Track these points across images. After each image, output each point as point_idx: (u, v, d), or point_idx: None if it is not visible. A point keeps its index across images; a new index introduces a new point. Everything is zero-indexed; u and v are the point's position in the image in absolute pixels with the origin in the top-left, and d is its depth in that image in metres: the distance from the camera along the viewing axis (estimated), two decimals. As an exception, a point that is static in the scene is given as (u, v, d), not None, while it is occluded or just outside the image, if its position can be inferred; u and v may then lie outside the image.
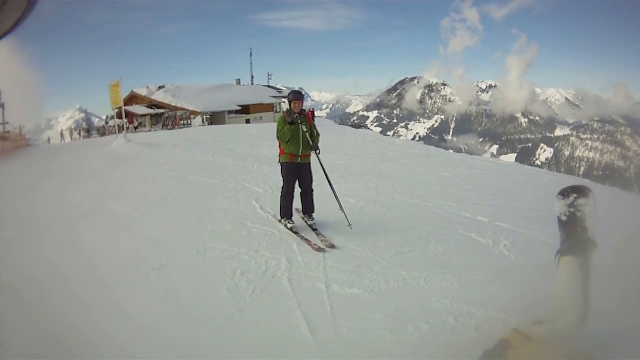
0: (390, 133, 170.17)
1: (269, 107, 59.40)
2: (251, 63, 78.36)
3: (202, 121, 51.33)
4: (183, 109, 52.97)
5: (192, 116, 52.28)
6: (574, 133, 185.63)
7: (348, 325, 5.71)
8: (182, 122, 50.63)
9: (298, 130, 8.42)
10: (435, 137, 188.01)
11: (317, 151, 8.68)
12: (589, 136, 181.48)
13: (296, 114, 8.39)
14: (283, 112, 8.47)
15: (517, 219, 10.75)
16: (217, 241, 7.80)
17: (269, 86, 70.81)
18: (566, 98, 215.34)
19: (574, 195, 4.05)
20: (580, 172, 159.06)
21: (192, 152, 13.79)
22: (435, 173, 16.20)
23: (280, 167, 8.81)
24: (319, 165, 9.00)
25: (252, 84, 71.94)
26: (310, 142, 8.55)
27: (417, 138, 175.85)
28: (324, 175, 9.11)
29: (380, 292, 6.73)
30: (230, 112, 54.68)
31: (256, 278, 6.68)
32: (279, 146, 8.74)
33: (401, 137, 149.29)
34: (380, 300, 6.47)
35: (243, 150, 15.07)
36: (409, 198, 11.98)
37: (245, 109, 56.07)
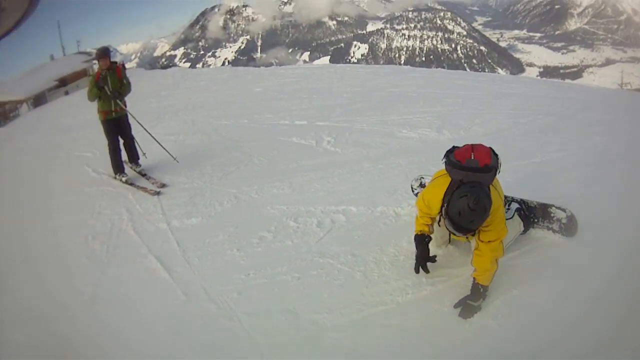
0: (199, 65, 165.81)
1: (83, 74, 55.74)
2: (60, 35, 73.04)
3: (27, 107, 47.79)
4: (9, 102, 48.87)
5: (18, 105, 48.43)
6: (388, 26, 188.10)
7: (197, 255, 6.12)
8: (11, 114, 46.78)
9: (105, 90, 8.56)
10: (243, 59, 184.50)
11: (119, 99, 8.72)
12: (405, 26, 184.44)
13: (104, 71, 8.48)
14: (89, 74, 8.51)
15: (337, 115, 11.59)
16: (64, 215, 7.70)
17: (80, 53, 66.64)
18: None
19: (571, 223, 5.41)
20: (402, 61, 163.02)
21: (28, 143, 13.03)
22: (247, 91, 16.52)
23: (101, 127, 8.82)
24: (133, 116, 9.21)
25: (64, 55, 67.39)
26: (117, 95, 8.70)
27: (226, 63, 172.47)
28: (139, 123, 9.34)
29: (217, 216, 7.17)
30: (49, 89, 51.21)
31: (106, 238, 6.85)
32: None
33: (210, 66, 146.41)
34: (220, 223, 6.91)
35: (65, 122, 14.49)
36: (225, 120, 12.31)
37: (62, 82, 52.78)
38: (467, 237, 4.71)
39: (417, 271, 4.91)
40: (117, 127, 8.79)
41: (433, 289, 4.89)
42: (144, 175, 8.93)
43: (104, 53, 8.58)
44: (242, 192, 7.76)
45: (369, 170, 8.09)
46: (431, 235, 5.01)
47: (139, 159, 9.18)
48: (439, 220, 4.62)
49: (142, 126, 9.37)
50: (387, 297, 4.85)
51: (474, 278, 4.56)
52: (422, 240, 4.96)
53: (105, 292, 5.60)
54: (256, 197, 7.56)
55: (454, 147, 4.72)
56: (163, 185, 8.41)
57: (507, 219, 5.11)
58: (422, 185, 6.45)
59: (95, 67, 8.03)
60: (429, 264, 4.88)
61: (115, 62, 8.71)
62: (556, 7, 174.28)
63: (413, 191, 6.56)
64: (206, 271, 5.74)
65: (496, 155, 4.64)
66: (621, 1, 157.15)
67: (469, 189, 4.07)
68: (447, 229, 4.26)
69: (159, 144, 9.32)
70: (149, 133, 9.38)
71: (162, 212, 7.45)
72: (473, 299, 4.52)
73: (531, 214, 5.52)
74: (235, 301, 5.09)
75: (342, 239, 6.01)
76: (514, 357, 4.02)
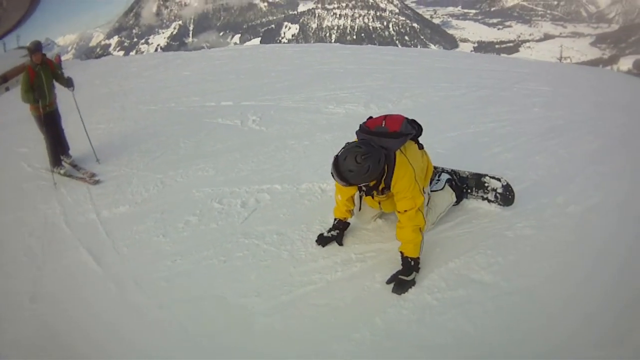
0: (133, 52, 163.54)
1: (22, 69, 53.66)
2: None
3: (-32, 110, 45.64)
4: (-49, 106, 46.50)
5: (-40, 109, 46.17)
6: (319, 5, 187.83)
7: (126, 244, 5.92)
8: (-46, 118, 44.60)
9: (41, 87, 8.24)
10: (175, 44, 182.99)
11: (71, 88, 8.62)
12: (336, 5, 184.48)
13: (37, 67, 8.18)
14: (24, 70, 8.11)
15: (263, 94, 11.44)
16: (3, 214, 7.39)
17: (19, 47, 64.13)
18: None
19: (507, 192, 5.35)
20: (332, 40, 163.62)
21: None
22: (176, 75, 16.13)
23: (36, 122, 8.54)
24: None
25: (5, 51, 64.84)
26: (71, 83, 8.60)
27: (158, 50, 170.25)
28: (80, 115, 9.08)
29: (144, 202, 6.95)
30: (-10, 88, 49.21)
31: (42, 233, 6.61)
32: None
33: (143, 53, 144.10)
34: (147, 209, 6.70)
35: (2, 119, 13.94)
36: (153, 105, 11.97)
37: (4, 78, 50.74)
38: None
39: (319, 242, 5.16)
40: (52, 120, 8.50)
41: (363, 265, 4.81)
42: (74, 166, 8.63)
43: (37, 47, 8.25)
44: (167, 176, 7.55)
45: (294, 147, 8.00)
46: (350, 221, 5.15)
47: (69, 149, 8.87)
48: (372, 195, 4.62)
49: (81, 118, 9.06)
50: (315, 275, 4.74)
51: (401, 252, 4.49)
52: (344, 227, 5.15)
53: (43, 290, 5.37)
54: (181, 180, 7.38)
55: (369, 117, 4.72)
56: (93, 175, 8.13)
57: (437, 190, 5.15)
58: None
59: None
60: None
61: (45, 55, 8.36)
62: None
63: (338, 166, 6.48)
64: (135, 260, 5.56)
65: (416, 125, 4.65)
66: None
67: (366, 145, 4.15)
68: (331, 173, 4.22)
69: (90, 141, 8.93)
70: (85, 128, 9.02)
71: (91, 203, 7.20)
72: (405, 273, 4.44)
73: (463, 184, 5.50)
74: (164, 289, 4.93)
75: (267, 219, 5.89)
76: (455, 332, 3.93)
